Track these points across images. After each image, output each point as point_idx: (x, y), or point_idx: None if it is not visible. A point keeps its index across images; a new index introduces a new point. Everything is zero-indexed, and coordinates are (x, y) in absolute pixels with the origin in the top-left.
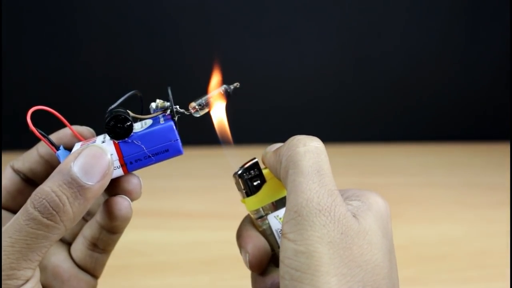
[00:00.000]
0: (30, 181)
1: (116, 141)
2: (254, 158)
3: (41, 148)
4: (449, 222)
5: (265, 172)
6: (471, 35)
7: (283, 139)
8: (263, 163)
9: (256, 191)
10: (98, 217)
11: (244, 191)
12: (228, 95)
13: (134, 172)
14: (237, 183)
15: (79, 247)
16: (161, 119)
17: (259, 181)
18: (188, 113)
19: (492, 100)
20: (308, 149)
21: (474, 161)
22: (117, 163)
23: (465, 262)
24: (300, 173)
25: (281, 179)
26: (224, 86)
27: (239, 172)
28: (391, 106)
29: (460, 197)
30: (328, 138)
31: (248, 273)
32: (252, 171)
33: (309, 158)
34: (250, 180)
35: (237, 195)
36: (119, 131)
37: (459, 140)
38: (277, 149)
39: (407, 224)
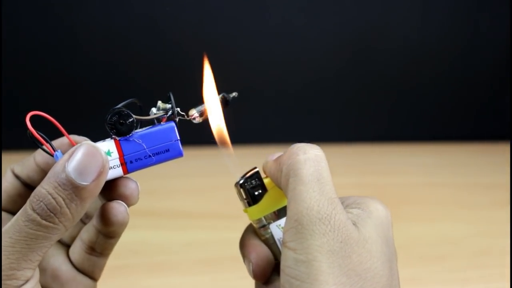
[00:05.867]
0: (29, 186)
1: (117, 138)
2: (255, 168)
3: (38, 157)
4: (449, 222)
5: (266, 181)
6: (471, 35)
7: (282, 139)
8: (264, 172)
9: (258, 201)
10: (95, 222)
11: (246, 200)
12: (226, 103)
13: (133, 177)
14: (238, 193)
15: (77, 250)
16: (162, 121)
17: (260, 191)
18: (188, 119)
19: (492, 100)
20: (308, 157)
21: (474, 161)
22: (117, 162)
23: (465, 262)
24: (300, 181)
25: (282, 187)
26: (223, 94)
27: (241, 181)
28: (391, 106)
29: (460, 197)
30: (328, 138)
31: (247, 273)
32: (253, 181)
33: (309, 166)
34: (252, 189)
35: (235, 195)
36: (121, 127)
37: (459, 140)
38: (278, 157)
39: (407, 224)
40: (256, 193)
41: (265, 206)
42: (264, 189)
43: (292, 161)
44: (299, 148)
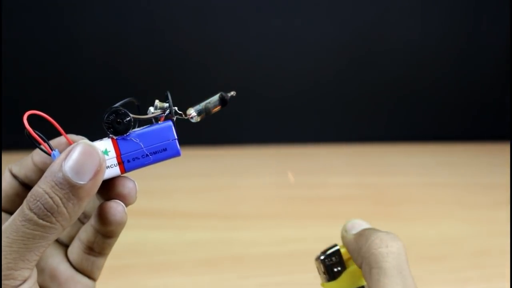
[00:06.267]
0: (27, 186)
1: (115, 137)
2: (336, 245)
3: (36, 157)
4: (449, 222)
5: (345, 257)
6: (471, 35)
7: (282, 139)
8: (343, 242)
9: (336, 277)
10: (93, 221)
11: (325, 276)
12: (225, 102)
13: (130, 176)
14: (318, 267)
15: (76, 250)
16: (160, 120)
17: (339, 268)
18: (186, 118)
19: (492, 100)
20: (390, 250)
21: (474, 161)
22: (115, 161)
23: (465, 262)
24: (384, 274)
25: (362, 272)
26: (221, 93)
27: (321, 257)
28: (391, 106)
29: (460, 197)
30: (328, 138)
31: (247, 273)
32: (333, 258)
33: (392, 259)
34: (331, 266)
35: (236, 195)
36: (118, 126)
37: (459, 140)
38: (358, 238)
39: (407, 224)
40: (335, 269)
41: (342, 284)
42: (343, 266)
43: (375, 252)
44: (382, 241)
